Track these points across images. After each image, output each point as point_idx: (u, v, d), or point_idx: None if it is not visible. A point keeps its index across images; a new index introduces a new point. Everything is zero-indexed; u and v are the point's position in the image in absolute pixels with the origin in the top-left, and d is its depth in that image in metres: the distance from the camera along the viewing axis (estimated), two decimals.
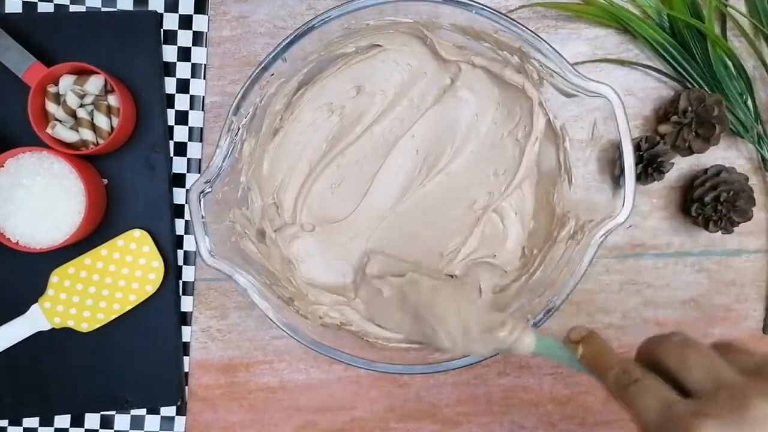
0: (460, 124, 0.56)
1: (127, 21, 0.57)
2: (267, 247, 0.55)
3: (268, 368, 0.61)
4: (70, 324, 0.57)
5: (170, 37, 0.58)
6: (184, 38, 0.58)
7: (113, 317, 0.58)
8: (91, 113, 0.55)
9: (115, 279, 0.57)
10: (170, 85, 0.58)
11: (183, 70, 0.58)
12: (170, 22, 0.58)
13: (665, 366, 0.34)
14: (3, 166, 0.54)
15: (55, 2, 0.57)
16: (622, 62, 0.60)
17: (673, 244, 0.61)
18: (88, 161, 0.57)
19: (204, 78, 0.59)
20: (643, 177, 0.57)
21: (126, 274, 0.57)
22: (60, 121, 0.55)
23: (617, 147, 0.48)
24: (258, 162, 0.55)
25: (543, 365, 0.61)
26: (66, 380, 0.59)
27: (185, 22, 0.58)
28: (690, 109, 0.56)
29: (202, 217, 0.47)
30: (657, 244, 0.61)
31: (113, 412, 0.59)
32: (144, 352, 0.59)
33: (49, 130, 0.54)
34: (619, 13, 0.57)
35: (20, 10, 0.57)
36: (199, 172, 0.59)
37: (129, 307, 0.58)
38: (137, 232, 0.57)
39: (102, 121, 0.55)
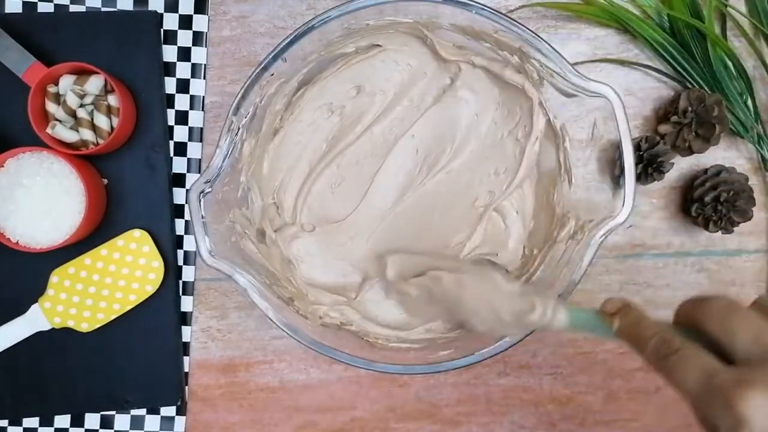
0: (460, 124, 0.56)
1: (127, 21, 0.57)
2: (267, 247, 0.55)
3: (268, 368, 0.61)
4: (70, 324, 0.57)
5: (170, 37, 0.58)
6: (184, 38, 0.58)
7: (113, 317, 0.58)
8: (91, 113, 0.55)
9: (115, 279, 0.57)
10: (170, 85, 0.58)
11: (183, 70, 0.58)
12: (170, 22, 0.58)
13: (707, 331, 0.33)
14: (3, 166, 0.54)
15: (55, 2, 0.57)
16: (622, 62, 0.60)
17: (673, 244, 0.61)
18: (88, 161, 0.57)
19: (204, 78, 0.59)
20: (643, 177, 0.57)
21: (126, 274, 0.57)
22: (60, 121, 0.55)
23: (617, 147, 0.48)
24: (258, 162, 0.55)
25: (543, 365, 0.61)
26: (66, 380, 0.59)
27: (185, 22, 0.58)
28: (690, 109, 0.56)
29: (202, 217, 0.47)
30: (657, 244, 0.61)
31: (113, 412, 0.59)
32: (144, 352, 0.59)
33: (49, 130, 0.54)
34: (619, 13, 0.57)
35: (20, 10, 0.57)
36: (199, 172, 0.59)
37: (129, 307, 0.58)
38: (137, 232, 0.57)
39: (102, 121, 0.55)
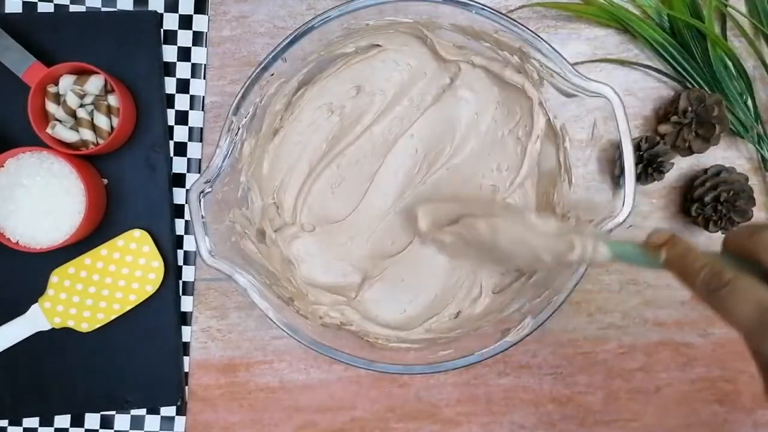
0: (459, 123, 0.56)
1: (127, 21, 0.57)
2: (267, 247, 0.55)
3: (268, 368, 0.61)
4: (70, 324, 0.57)
5: (170, 37, 0.58)
6: (184, 38, 0.58)
7: (113, 317, 0.58)
8: (91, 113, 0.55)
9: (115, 279, 0.57)
10: (170, 85, 0.58)
11: (183, 70, 0.58)
12: (170, 22, 0.58)
13: (760, 261, 0.32)
14: (3, 166, 0.54)
15: (55, 2, 0.57)
16: (622, 62, 0.60)
17: None
18: (88, 161, 0.57)
19: (204, 78, 0.59)
20: (643, 177, 0.57)
21: (126, 274, 0.57)
22: (60, 121, 0.55)
23: (617, 147, 0.48)
24: (258, 162, 0.55)
25: (543, 365, 0.61)
26: (66, 380, 0.59)
27: (185, 22, 0.58)
28: (690, 109, 0.56)
29: (202, 217, 0.47)
30: None
31: (113, 412, 0.59)
32: (144, 352, 0.59)
33: (49, 130, 0.54)
34: (619, 13, 0.57)
35: (20, 10, 0.57)
36: (199, 172, 0.59)
37: (129, 307, 0.58)
38: (137, 232, 0.57)
39: (102, 121, 0.55)
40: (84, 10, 0.58)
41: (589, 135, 0.52)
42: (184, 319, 0.60)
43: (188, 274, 0.59)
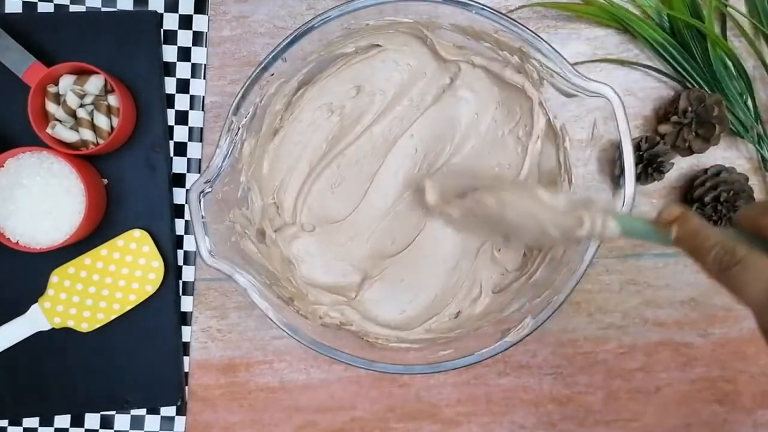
0: (459, 123, 0.56)
1: (127, 21, 0.57)
2: (267, 247, 0.55)
3: (268, 368, 0.61)
4: (70, 324, 0.57)
5: (170, 37, 0.58)
6: (184, 38, 0.58)
7: (113, 317, 0.58)
8: (91, 113, 0.55)
9: (115, 279, 0.57)
10: (170, 85, 0.58)
11: (183, 70, 0.58)
12: (170, 22, 0.58)
13: None
14: (3, 166, 0.54)
15: (55, 2, 0.57)
16: (622, 62, 0.60)
17: None
18: (88, 161, 0.57)
19: (204, 78, 0.59)
20: (643, 177, 0.57)
21: (126, 274, 0.57)
22: (60, 121, 0.55)
23: (617, 147, 0.48)
24: (258, 162, 0.55)
25: (543, 365, 0.61)
26: (66, 380, 0.59)
27: (185, 22, 0.58)
28: (690, 109, 0.56)
29: (202, 217, 0.47)
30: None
31: (113, 412, 0.59)
32: (144, 352, 0.59)
33: (49, 130, 0.54)
34: (619, 13, 0.57)
35: (20, 10, 0.57)
36: (199, 172, 0.59)
37: (129, 307, 0.58)
38: (137, 232, 0.57)
39: (102, 121, 0.55)
40: (84, 10, 0.58)
41: (589, 135, 0.52)
42: (184, 319, 0.60)
43: (188, 274, 0.59)
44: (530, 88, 0.53)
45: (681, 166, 0.60)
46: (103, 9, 0.58)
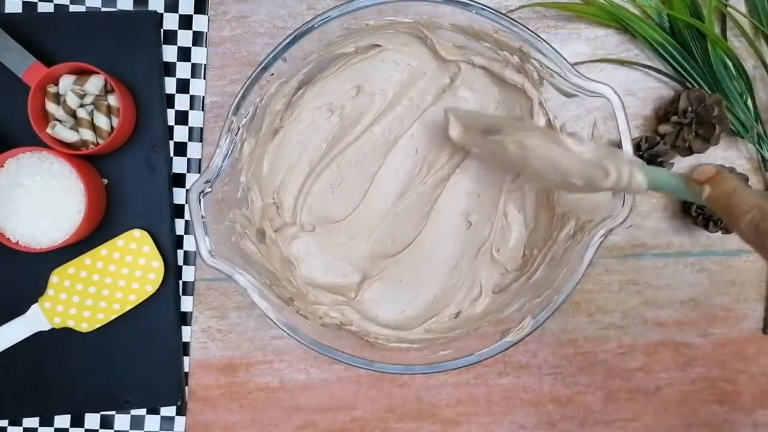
0: None
1: (127, 21, 0.57)
2: (267, 247, 0.55)
3: (268, 368, 0.61)
4: (70, 324, 0.57)
5: (170, 37, 0.58)
6: (184, 38, 0.58)
7: (113, 317, 0.58)
8: (91, 113, 0.55)
9: (115, 279, 0.57)
10: (170, 85, 0.58)
11: (183, 70, 0.58)
12: (170, 22, 0.58)
13: None
14: (3, 166, 0.54)
15: (55, 2, 0.57)
16: (622, 62, 0.60)
17: (673, 244, 0.61)
18: (88, 161, 0.57)
19: (204, 78, 0.59)
20: None
21: (126, 274, 0.57)
22: (60, 121, 0.55)
23: (617, 147, 0.48)
24: (258, 162, 0.55)
25: (543, 365, 0.61)
26: (66, 380, 0.59)
27: (185, 22, 0.58)
28: (690, 109, 0.56)
29: (202, 217, 0.47)
30: (657, 244, 0.61)
31: (113, 412, 0.59)
32: (144, 352, 0.59)
33: (49, 130, 0.54)
34: (619, 13, 0.57)
35: (20, 10, 0.57)
36: (199, 172, 0.59)
37: (129, 307, 0.58)
38: (137, 232, 0.57)
39: (102, 121, 0.55)
40: (84, 10, 0.58)
41: (589, 135, 0.52)
42: (184, 319, 0.60)
43: (188, 274, 0.59)
44: (530, 88, 0.53)
45: (681, 166, 0.60)
46: (103, 9, 0.58)
